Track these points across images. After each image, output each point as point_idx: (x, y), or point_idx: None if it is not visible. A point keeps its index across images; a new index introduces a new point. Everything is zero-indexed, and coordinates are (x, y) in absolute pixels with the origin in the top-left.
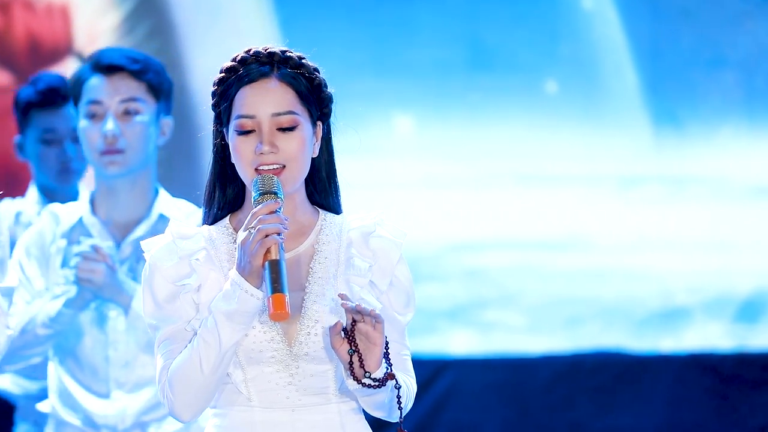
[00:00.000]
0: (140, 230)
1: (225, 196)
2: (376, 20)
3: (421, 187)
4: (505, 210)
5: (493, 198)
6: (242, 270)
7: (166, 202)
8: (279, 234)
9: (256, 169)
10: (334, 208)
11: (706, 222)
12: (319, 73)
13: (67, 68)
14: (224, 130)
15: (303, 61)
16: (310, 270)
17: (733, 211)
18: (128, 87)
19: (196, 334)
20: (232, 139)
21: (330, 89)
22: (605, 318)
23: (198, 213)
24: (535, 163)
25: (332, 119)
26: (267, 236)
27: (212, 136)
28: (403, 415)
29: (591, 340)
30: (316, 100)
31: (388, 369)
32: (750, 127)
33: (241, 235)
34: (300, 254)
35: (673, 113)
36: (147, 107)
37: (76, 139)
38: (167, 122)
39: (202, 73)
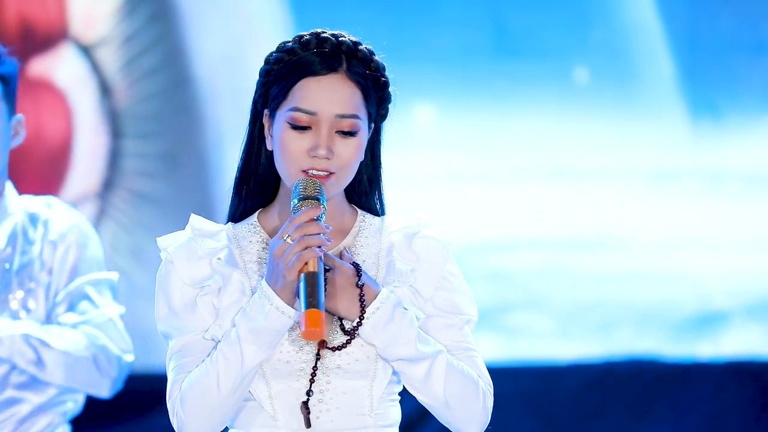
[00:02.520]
0: None
1: (256, 189)
2: (394, 3)
3: (442, 182)
4: (532, 207)
5: (520, 194)
6: (274, 282)
7: (12, 200)
8: (320, 247)
9: (304, 171)
10: (375, 210)
11: (747, 219)
12: (385, 71)
13: (63, 54)
14: (267, 112)
15: (374, 56)
16: None
17: None
18: None
19: (215, 346)
20: (281, 131)
21: (392, 88)
22: (639, 323)
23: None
24: (563, 156)
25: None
26: (307, 248)
27: (249, 115)
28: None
29: (624, 346)
30: (377, 101)
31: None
32: None
33: (276, 243)
34: (338, 256)
35: (712, 103)
36: None
37: None
38: (19, 121)
39: (207, 61)
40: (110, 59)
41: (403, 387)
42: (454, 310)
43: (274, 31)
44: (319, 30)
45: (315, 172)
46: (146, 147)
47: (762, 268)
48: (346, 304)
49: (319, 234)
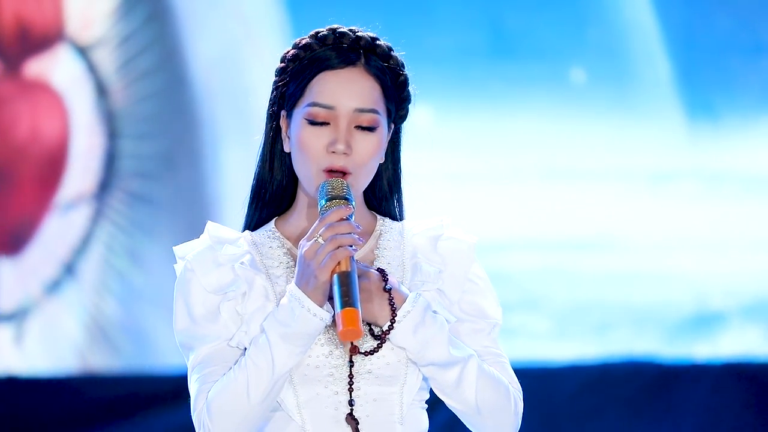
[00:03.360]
0: None
1: (273, 196)
2: (391, 4)
3: (439, 183)
4: (529, 207)
5: (517, 194)
6: (305, 284)
7: None
8: (352, 246)
9: (324, 171)
10: (394, 215)
11: (744, 220)
12: (404, 68)
13: (59, 55)
14: (284, 113)
15: (392, 52)
16: None
17: None
18: None
19: (242, 352)
20: (299, 129)
21: (412, 87)
22: (636, 324)
23: None
24: (560, 157)
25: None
26: (339, 247)
27: (266, 119)
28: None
29: (621, 347)
30: (397, 99)
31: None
32: None
33: (305, 244)
34: (359, 261)
35: (709, 104)
36: None
37: None
38: None
39: (203, 62)
40: (107, 60)
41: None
42: (481, 314)
43: (271, 32)
44: (335, 26)
45: (335, 170)
46: (143, 148)
47: (759, 269)
48: (375, 308)
49: (350, 233)
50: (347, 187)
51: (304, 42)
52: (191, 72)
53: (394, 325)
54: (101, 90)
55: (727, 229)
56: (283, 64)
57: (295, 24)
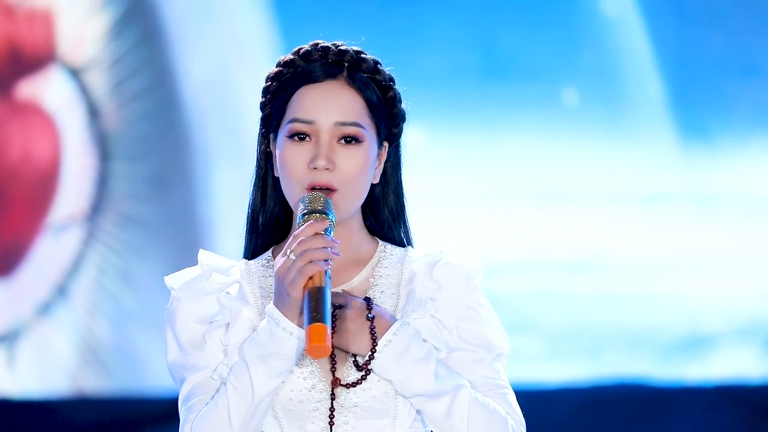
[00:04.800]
0: None
1: (266, 225)
2: (384, 25)
3: (430, 205)
4: (520, 229)
5: (509, 216)
6: (280, 303)
7: None
8: (326, 260)
9: (307, 188)
10: (400, 241)
11: (736, 242)
12: (394, 83)
13: (51, 77)
14: (272, 136)
15: (378, 66)
16: None
17: (766, 231)
18: None
19: (224, 382)
20: (281, 147)
21: (404, 104)
22: (628, 346)
23: None
24: (552, 178)
25: (402, 140)
26: (310, 262)
27: (257, 144)
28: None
29: (613, 369)
30: (386, 116)
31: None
32: None
33: (279, 261)
34: (353, 288)
35: (702, 125)
36: None
37: None
38: None
39: (196, 83)
40: (98, 82)
41: None
42: (482, 343)
43: (263, 54)
44: (318, 40)
45: (317, 187)
46: (135, 170)
47: (751, 290)
48: (356, 338)
49: (324, 248)
50: (327, 201)
51: (287, 59)
52: (183, 93)
53: (374, 354)
54: (93, 111)
55: (720, 250)
56: (267, 84)
57: (288, 45)
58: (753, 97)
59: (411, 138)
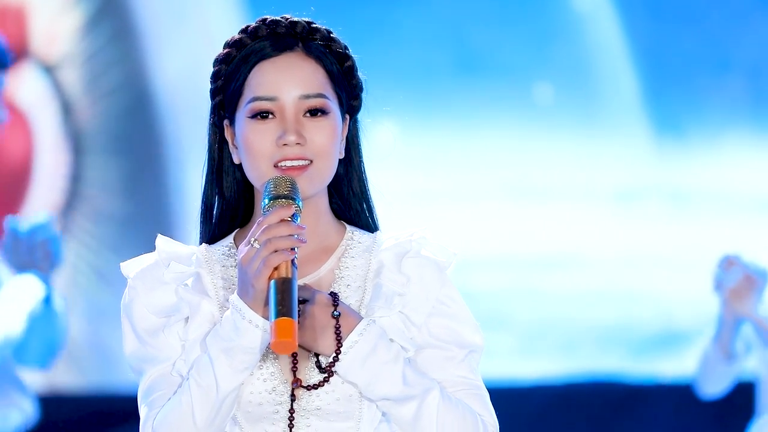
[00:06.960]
0: None
1: (224, 215)
2: (355, 20)
3: (402, 201)
4: (493, 225)
5: (482, 212)
6: (244, 294)
7: None
8: (293, 248)
9: (277, 166)
10: (367, 225)
11: (710, 238)
12: (350, 52)
13: (24, 73)
14: (227, 122)
15: (332, 35)
16: None
17: (739, 226)
18: None
19: (185, 379)
20: (243, 129)
21: (361, 74)
22: (601, 342)
23: None
24: (526, 174)
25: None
26: (275, 251)
27: (207, 134)
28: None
29: (586, 365)
30: (346, 86)
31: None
32: (757, 135)
33: (243, 250)
34: (320, 279)
35: (675, 121)
36: None
37: None
38: None
39: (169, 79)
40: (71, 78)
41: None
42: (454, 340)
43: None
44: (265, 16)
45: (289, 163)
46: (108, 166)
47: None
48: (320, 337)
49: (290, 235)
50: (294, 186)
51: (235, 38)
52: (156, 90)
53: (339, 356)
54: (66, 108)
55: (693, 246)
56: (216, 68)
57: None
58: (726, 94)
59: (381, 134)
